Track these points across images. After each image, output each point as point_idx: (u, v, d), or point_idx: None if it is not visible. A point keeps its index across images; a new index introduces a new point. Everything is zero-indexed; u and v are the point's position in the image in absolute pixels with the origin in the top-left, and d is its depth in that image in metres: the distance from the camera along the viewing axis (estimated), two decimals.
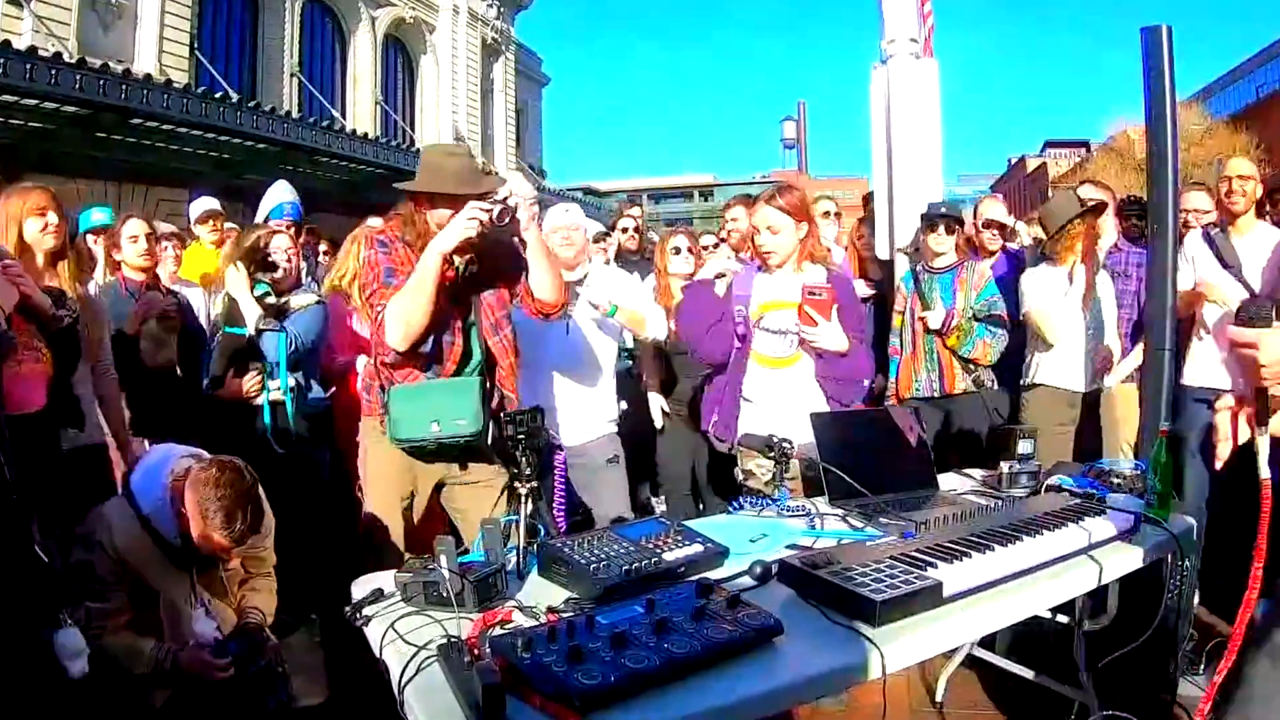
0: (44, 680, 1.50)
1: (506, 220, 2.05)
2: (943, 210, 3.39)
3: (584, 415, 2.96)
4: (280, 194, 3.88)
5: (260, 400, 2.85)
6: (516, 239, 2.21)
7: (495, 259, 2.26)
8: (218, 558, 2.01)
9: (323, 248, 4.29)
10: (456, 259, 2.17)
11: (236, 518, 1.88)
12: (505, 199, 2.08)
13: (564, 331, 2.86)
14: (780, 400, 2.47)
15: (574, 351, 2.92)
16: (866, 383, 2.67)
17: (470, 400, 2.14)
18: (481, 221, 2.03)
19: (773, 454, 1.87)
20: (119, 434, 2.74)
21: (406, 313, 2.06)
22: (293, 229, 3.56)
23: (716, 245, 3.86)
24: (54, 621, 1.53)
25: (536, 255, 2.23)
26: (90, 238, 3.55)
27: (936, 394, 3.24)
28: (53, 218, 2.52)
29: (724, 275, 2.68)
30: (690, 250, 3.58)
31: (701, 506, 3.56)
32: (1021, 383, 3.22)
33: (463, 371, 2.23)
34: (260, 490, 2.01)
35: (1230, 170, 3.17)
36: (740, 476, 2.54)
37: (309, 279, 3.44)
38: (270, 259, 2.92)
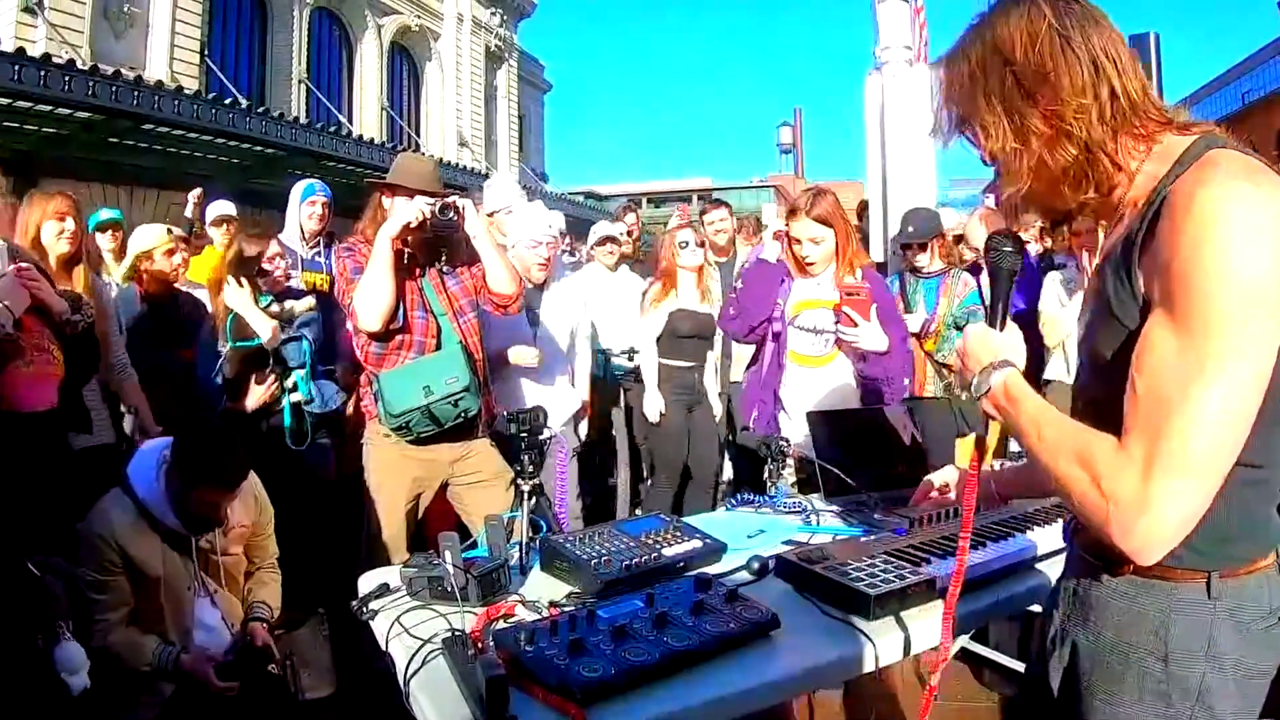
0: (43, 695, 1.49)
1: (450, 215, 2.24)
2: (912, 238, 3.40)
3: (554, 409, 3.06)
4: (301, 184, 3.89)
5: (282, 404, 2.85)
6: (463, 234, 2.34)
7: (460, 249, 2.43)
8: (214, 521, 2.04)
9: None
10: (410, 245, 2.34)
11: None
12: (453, 199, 2.28)
13: (535, 329, 2.96)
14: (816, 399, 2.44)
15: (545, 349, 3.02)
16: (907, 381, 2.59)
17: (457, 362, 2.28)
18: (423, 212, 2.24)
19: (769, 452, 1.90)
20: (150, 428, 2.76)
21: (370, 293, 2.26)
22: (324, 205, 3.71)
23: (701, 244, 3.86)
24: (51, 636, 1.51)
25: (485, 248, 2.36)
26: (98, 235, 3.59)
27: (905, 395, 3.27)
28: (70, 223, 2.57)
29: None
30: (698, 244, 3.62)
31: (684, 495, 3.67)
32: (1040, 380, 3.25)
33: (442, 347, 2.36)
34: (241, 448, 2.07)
35: None
36: (767, 474, 2.56)
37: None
38: (263, 267, 2.90)
